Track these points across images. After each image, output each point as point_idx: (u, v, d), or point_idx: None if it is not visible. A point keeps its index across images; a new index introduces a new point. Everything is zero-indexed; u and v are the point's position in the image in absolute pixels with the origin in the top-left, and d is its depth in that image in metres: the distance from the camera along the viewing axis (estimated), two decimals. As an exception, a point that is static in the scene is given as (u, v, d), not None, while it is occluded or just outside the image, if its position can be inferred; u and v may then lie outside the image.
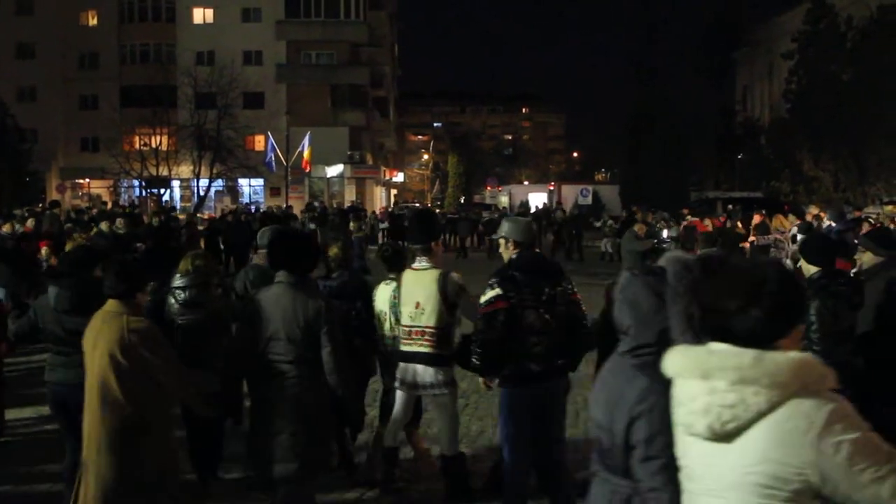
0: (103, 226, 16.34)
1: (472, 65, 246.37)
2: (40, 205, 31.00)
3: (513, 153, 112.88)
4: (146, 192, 49.95)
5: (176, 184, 53.05)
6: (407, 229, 6.83)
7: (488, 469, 6.29)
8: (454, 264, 6.05)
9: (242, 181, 54.43)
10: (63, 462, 5.71)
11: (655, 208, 25.70)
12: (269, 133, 44.81)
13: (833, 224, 15.07)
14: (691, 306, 2.33)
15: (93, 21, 56.52)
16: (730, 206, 25.86)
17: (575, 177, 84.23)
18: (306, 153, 43.95)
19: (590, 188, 45.31)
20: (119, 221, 17.46)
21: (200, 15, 56.38)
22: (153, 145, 48.34)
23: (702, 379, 2.17)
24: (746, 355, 2.12)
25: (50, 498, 6.11)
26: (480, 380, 5.63)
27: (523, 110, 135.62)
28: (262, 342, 4.70)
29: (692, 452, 2.28)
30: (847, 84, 35.93)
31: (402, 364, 5.95)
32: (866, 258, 5.72)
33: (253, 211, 35.52)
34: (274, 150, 42.68)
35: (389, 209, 43.04)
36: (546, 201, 46.45)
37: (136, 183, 50.20)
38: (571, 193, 44.74)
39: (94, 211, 28.81)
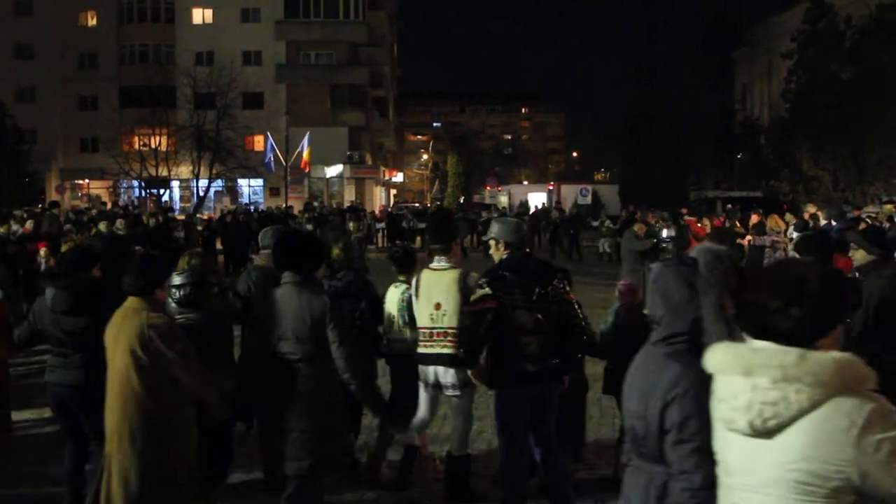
0: (102, 226, 16.32)
1: (472, 65, 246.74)
2: (40, 205, 30.99)
3: (512, 153, 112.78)
4: (146, 193, 49.94)
5: (175, 184, 53.07)
6: (425, 229, 6.86)
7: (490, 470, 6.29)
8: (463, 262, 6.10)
9: (242, 181, 54.44)
10: (63, 464, 5.71)
11: (654, 208, 25.65)
12: (268, 133, 44.81)
13: (833, 223, 15.11)
14: (723, 296, 2.41)
15: (92, 21, 56.52)
16: (729, 206, 25.80)
17: (574, 176, 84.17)
18: (305, 153, 43.96)
19: (589, 188, 45.21)
20: (119, 222, 17.45)
21: (199, 15, 56.38)
22: (152, 146, 48.35)
23: (744, 376, 2.21)
24: (791, 354, 2.16)
25: (50, 499, 6.11)
26: (469, 372, 5.63)
27: (522, 110, 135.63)
28: (272, 342, 4.75)
29: (732, 448, 2.31)
30: (846, 83, 35.93)
31: (421, 366, 5.96)
32: (859, 256, 5.73)
33: (252, 211, 35.50)
34: (273, 150, 42.68)
35: (389, 209, 42.97)
36: (545, 201, 46.43)
37: (135, 183, 50.20)
38: (571, 193, 44.67)
39: (94, 211, 28.82)
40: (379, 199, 63.59)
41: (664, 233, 20.24)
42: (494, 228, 5.44)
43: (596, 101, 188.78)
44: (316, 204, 41.05)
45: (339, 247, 6.69)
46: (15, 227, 15.96)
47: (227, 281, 7.30)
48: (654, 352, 2.94)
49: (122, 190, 53.01)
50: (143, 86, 50.43)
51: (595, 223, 28.88)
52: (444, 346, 5.78)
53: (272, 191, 53.31)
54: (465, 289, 5.71)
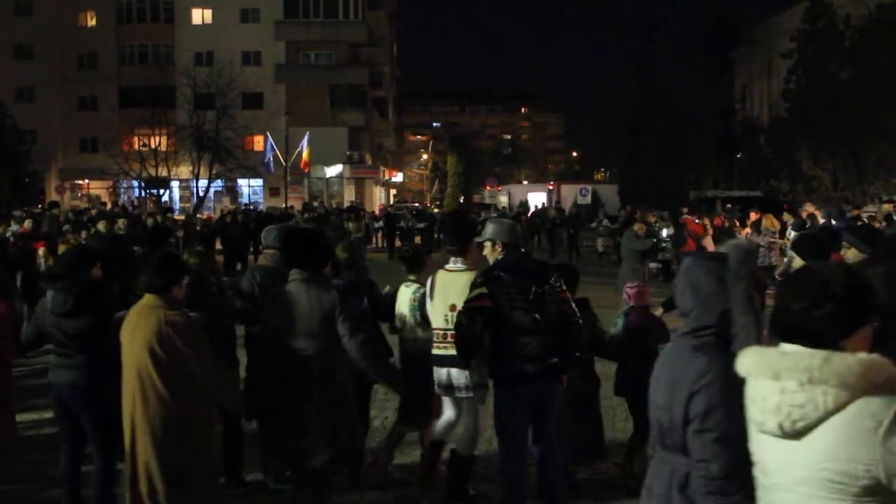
0: (101, 226, 16.31)
1: (471, 65, 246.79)
2: (39, 206, 30.99)
3: (512, 153, 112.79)
4: (145, 193, 49.95)
5: (175, 184, 53.11)
6: (441, 230, 6.88)
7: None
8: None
9: (242, 182, 54.47)
10: (59, 465, 5.72)
11: (653, 207, 25.68)
12: (268, 133, 44.83)
13: (833, 222, 15.14)
14: (751, 289, 2.50)
15: (91, 22, 56.55)
16: (728, 206, 25.83)
17: (574, 176, 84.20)
18: (305, 153, 43.98)
19: (589, 188, 45.19)
20: (121, 222, 17.46)
21: (199, 15, 56.40)
22: (152, 146, 48.37)
23: (773, 379, 2.27)
24: (816, 357, 2.21)
25: (50, 500, 6.10)
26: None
27: (522, 110, 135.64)
28: (283, 340, 4.76)
29: (765, 449, 2.36)
30: (846, 83, 35.94)
31: (435, 367, 5.96)
32: (850, 254, 5.73)
33: (251, 211, 35.49)
34: (273, 150, 42.69)
35: (388, 209, 42.93)
36: (545, 201, 46.44)
37: (135, 184, 50.22)
38: (570, 193, 44.66)
39: (94, 212, 28.81)
40: (379, 199, 63.60)
41: (664, 232, 20.27)
42: (489, 229, 5.44)
43: (596, 101, 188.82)
44: (316, 204, 41.04)
45: (341, 246, 6.68)
46: (14, 227, 15.94)
47: (227, 281, 7.27)
48: (681, 344, 2.99)
49: (122, 190, 53.06)
50: (142, 86, 50.46)
51: (593, 224, 28.91)
52: None
53: (272, 191, 53.33)
54: None
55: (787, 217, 18.11)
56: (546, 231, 29.62)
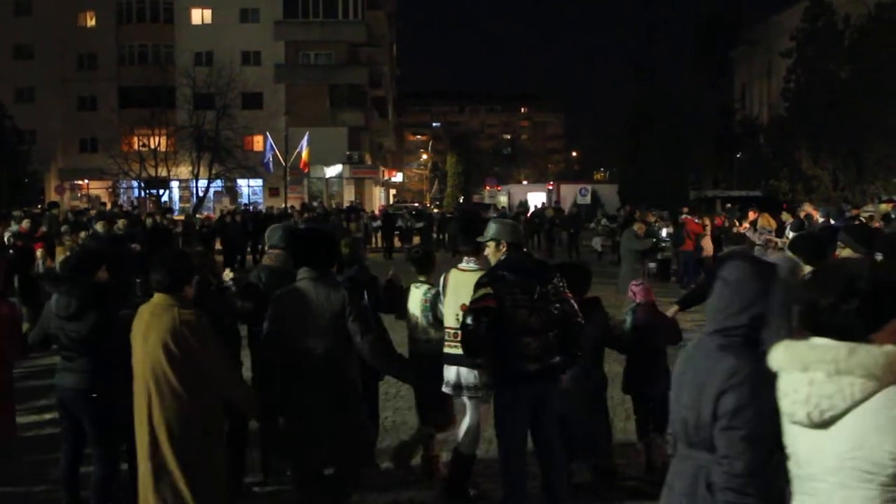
0: (99, 227, 16.29)
1: (471, 64, 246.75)
2: (39, 206, 30.97)
3: (511, 153, 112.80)
4: (145, 193, 49.94)
5: (175, 184, 53.11)
6: (454, 230, 6.89)
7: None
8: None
9: (241, 182, 54.46)
10: (59, 466, 5.71)
11: (652, 207, 25.69)
12: (267, 133, 44.83)
13: (832, 221, 15.16)
14: (792, 301, 2.59)
15: (91, 22, 56.54)
16: (728, 205, 25.85)
17: (574, 176, 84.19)
18: (304, 153, 43.95)
19: (588, 187, 45.18)
20: (121, 222, 17.45)
21: (199, 15, 56.39)
22: (152, 146, 48.37)
23: (802, 371, 2.37)
24: (842, 349, 2.31)
25: (49, 500, 6.11)
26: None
27: (522, 110, 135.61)
28: (291, 339, 4.75)
29: (797, 440, 2.45)
30: (845, 82, 35.91)
31: (446, 365, 5.97)
32: (845, 254, 5.72)
33: (250, 211, 35.49)
34: (272, 150, 42.67)
35: (387, 209, 42.93)
36: (545, 201, 46.43)
37: (134, 184, 50.21)
38: (570, 193, 44.65)
39: (93, 212, 28.79)
40: (378, 199, 63.59)
41: (663, 232, 20.27)
42: (492, 229, 5.43)
43: (596, 101, 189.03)
44: (315, 204, 41.02)
45: (344, 242, 6.67)
46: (14, 227, 15.90)
47: (233, 279, 7.20)
48: (708, 342, 3.02)
49: (122, 190, 53.04)
50: (142, 86, 50.46)
51: (590, 223, 28.94)
52: None
53: (272, 191, 53.33)
54: None
55: (785, 216, 18.12)
56: (544, 231, 29.64)
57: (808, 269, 5.54)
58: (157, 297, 4.59)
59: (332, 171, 56.42)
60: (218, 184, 51.03)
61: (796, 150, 37.93)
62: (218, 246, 24.27)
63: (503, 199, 52.15)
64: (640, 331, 6.51)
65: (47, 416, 8.37)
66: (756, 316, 2.88)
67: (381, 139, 70.79)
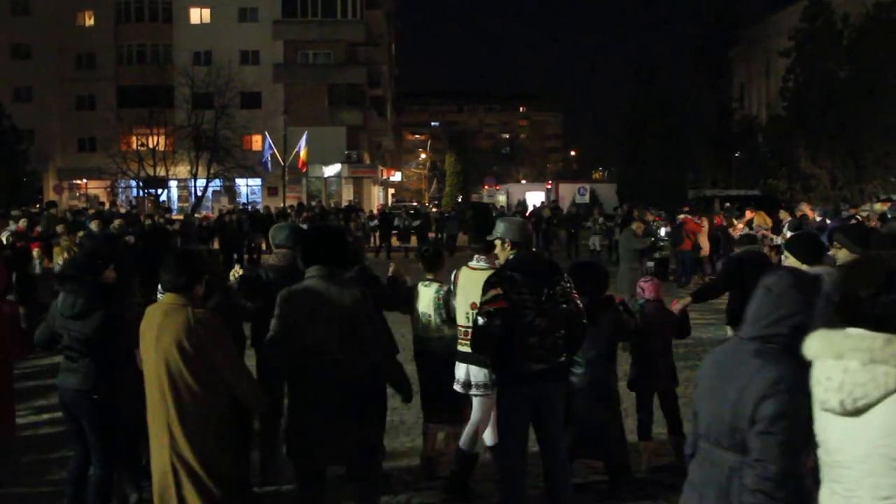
0: (93, 226, 16.27)
1: (470, 64, 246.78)
2: (37, 205, 30.94)
3: (510, 152, 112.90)
4: (144, 193, 49.91)
5: (173, 184, 53.07)
6: (467, 228, 6.82)
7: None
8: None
9: (240, 181, 54.43)
10: (68, 465, 5.70)
11: (651, 206, 25.69)
12: (266, 133, 44.82)
13: (828, 221, 15.20)
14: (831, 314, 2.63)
15: (89, 21, 56.50)
16: (727, 204, 25.83)
17: (572, 176, 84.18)
18: (303, 153, 43.92)
19: (587, 186, 45.16)
20: (117, 222, 17.45)
21: (197, 15, 56.38)
22: (150, 145, 48.32)
23: (836, 359, 2.43)
24: (878, 338, 2.38)
25: (48, 499, 6.12)
26: None
27: (521, 109, 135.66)
28: (302, 337, 4.73)
29: (828, 428, 2.51)
30: (844, 81, 35.92)
31: (457, 364, 5.98)
32: (841, 254, 5.72)
33: (248, 210, 35.45)
34: (271, 149, 42.65)
35: (385, 209, 42.89)
36: (544, 200, 46.40)
37: (133, 183, 50.17)
38: (569, 192, 44.62)
39: (91, 211, 28.77)
40: (377, 198, 63.59)
41: (662, 231, 20.28)
42: (500, 228, 5.40)
43: (594, 101, 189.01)
44: (314, 203, 41.00)
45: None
46: (11, 226, 15.88)
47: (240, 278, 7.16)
48: (743, 347, 3.05)
49: (120, 190, 53.00)
50: (140, 85, 50.45)
51: (587, 222, 28.94)
52: None
53: (270, 190, 53.32)
54: None
55: (783, 215, 18.14)
56: (542, 231, 29.64)
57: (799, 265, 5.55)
58: (168, 297, 4.58)
59: (331, 170, 56.41)
60: (216, 183, 51.01)
61: (795, 150, 37.94)
62: (216, 245, 24.28)
63: (502, 199, 52.10)
64: (648, 327, 6.52)
65: (46, 417, 8.37)
66: (797, 326, 2.89)
67: (380, 138, 70.78)
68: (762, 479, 2.82)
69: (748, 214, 18.15)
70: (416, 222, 31.87)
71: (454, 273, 6.12)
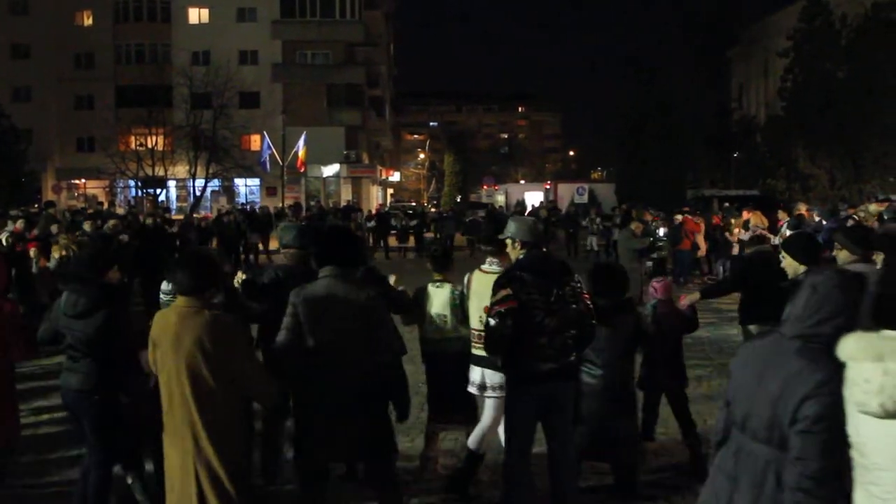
0: (86, 226, 16.28)
1: (468, 64, 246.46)
2: (36, 205, 30.91)
3: (509, 152, 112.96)
4: (142, 193, 49.88)
5: (172, 184, 53.01)
6: (464, 229, 6.75)
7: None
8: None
9: (238, 181, 54.39)
10: (82, 464, 5.69)
11: (649, 206, 25.71)
12: (265, 133, 44.79)
13: (824, 221, 15.21)
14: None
15: (88, 21, 56.47)
16: (726, 204, 25.86)
17: (571, 175, 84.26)
18: (301, 153, 43.88)
19: (586, 186, 45.28)
20: (111, 222, 17.48)
21: (196, 15, 56.36)
22: (149, 145, 48.28)
23: (876, 361, 2.41)
24: None
25: (48, 498, 6.13)
26: None
27: (519, 109, 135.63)
28: (317, 335, 4.72)
29: (865, 430, 2.50)
30: (842, 81, 35.97)
31: (472, 366, 5.99)
32: (842, 255, 5.72)
33: (247, 210, 35.38)
34: (270, 149, 42.63)
35: (382, 209, 42.85)
36: (542, 200, 46.46)
37: (131, 183, 50.14)
38: (567, 192, 44.74)
39: (90, 211, 28.76)
40: (376, 198, 63.58)
41: (660, 231, 20.29)
42: (511, 227, 5.40)
43: (593, 101, 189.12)
44: (313, 203, 40.98)
45: None
46: (10, 226, 15.86)
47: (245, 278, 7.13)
48: (785, 345, 3.06)
49: (119, 190, 52.97)
50: (139, 85, 50.38)
51: (584, 221, 28.98)
52: None
53: (269, 190, 53.31)
54: None
55: (781, 215, 18.17)
56: (540, 230, 29.54)
57: (796, 265, 5.56)
58: (183, 301, 4.50)
59: (330, 170, 56.41)
60: (215, 183, 50.99)
61: (793, 150, 37.99)
62: (213, 246, 24.25)
63: (500, 199, 52.16)
64: (661, 326, 6.53)
65: (46, 417, 8.37)
66: (841, 327, 2.90)
67: (379, 138, 70.78)
68: (803, 478, 2.84)
69: (745, 214, 18.17)
70: (413, 222, 31.86)
71: (467, 277, 6.12)
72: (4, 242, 13.13)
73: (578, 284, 5.23)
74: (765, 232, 16.55)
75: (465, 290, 6.09)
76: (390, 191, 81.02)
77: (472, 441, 6.06)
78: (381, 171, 68.72)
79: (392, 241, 29.93)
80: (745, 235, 16.95)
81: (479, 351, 5.81)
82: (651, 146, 42.84)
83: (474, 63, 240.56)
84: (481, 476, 6.27)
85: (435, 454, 6.58)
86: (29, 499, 6.35)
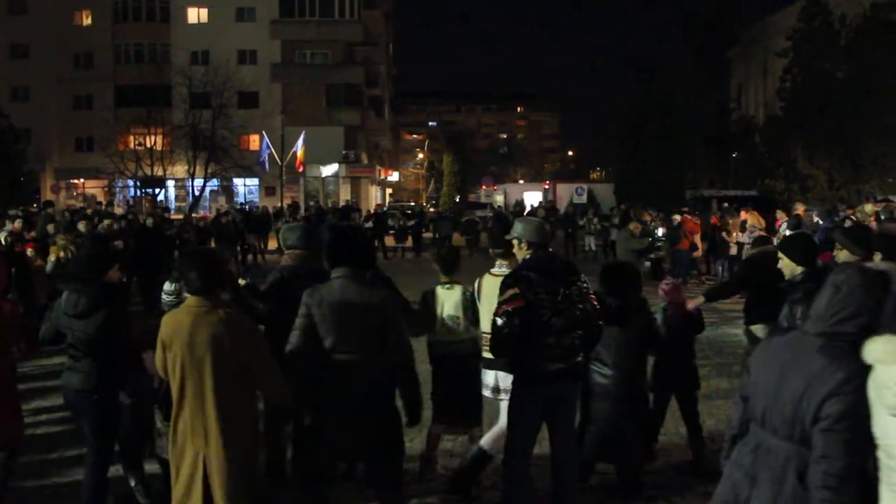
0: (81, 226, 16.27)
1: (468, 64, 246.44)
2: (35, 205, 30.89)
3: (508, 152, 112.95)
4: (141, 192, 49.86)
5: (171, 184, 53.00)
6: (474, 229, 6.72)
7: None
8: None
9: (237, 181, 54.37)
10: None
11: (648, 206, 25.72)
12: (263, 133, 44.79)
13: (820, 222, 15.27)
14: None
15: (87, 20, 56.47)
16: (725, 205, 25.88)
17: (570, 176, 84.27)
18: (300, 153, 43.85)
19: (584, 186, 45.21)
20: (106, 222, 17.48)
21: (195, 14, 56.36)
22: (148, 145, 48.25)
23: None
24: None
25: (47, 498, 6.11)
26: None
27: (518, 109, 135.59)
28: (332, 337, 4.70)
29: (894, 431, 2.52)
30: (841, 82, 35.98)
31: (484, 370, 5.99)
32: (843, 256, 5.73)
33: (245, 210, 35.34)
34: (269, 149, 42.61)
35: (378, 209, 42.84)
36: (541, 200, 46.48)
37: (130, 183, 50.12)
38: (566, 192, 44.73)
39: (89, 210, 28.73)
40: (375, 198, 63.59)
41: (659, 231, 20.31)
42: (518, 228, 5.40)
43: (592, 101, 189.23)
44: (311, 203, 40.96)
45: None
46: (8, 226, 15.86)
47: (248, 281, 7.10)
48: (811, 343, 3.06)
49: (118, 189, 52.94)
50: (138, 85, 50.35)
51: (581, 221, 29.00)
52: None
53: (268, 190, 53.31)
54: None
55: (780, 215, 18.21)
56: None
57: (793, 267, 5.57)
58: (194, 300, 4.48)
59: (329, 170, 56.40)
60: (214, 183, 50.96)
61: (792, 150, 38.01)
62: (212, 245, 24.26)
63: (499, 199, 52.16)
64: (672, 329, 6.52)
65: (45, 417, 8.37)
66: (864, 325, 2.92)
67: (378, 138, 70.80)
68: (828, 476, 2.85)
69: (742, 215, 18.22)
70: (411, 223, 31.81)
71: (477, 281, 6.13)
72: (3, 242, 13.11)
73: (585, 285, 5.23)
74: (762, 233, 16.62)
75: (476, 294, 6.09)
76: (389, 191, 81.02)
77: (485, 441, 6.06)
78: (379, 170, 68.74)
79: (389, 241, 29.89)
80: (744, 237, 17.00)
81: (490, 354, 5.81)
82: (650, 146, 42.85)
83: (473, 63, 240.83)
84: (481, 477, 6.27)
85: (436, 455, 6.58)
86: (29, 499, 6.35)
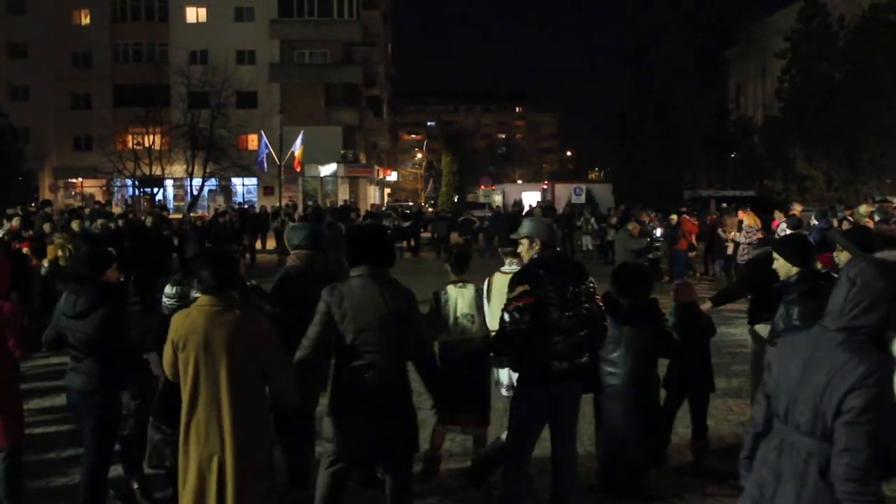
0: (74, 225, 16.25)
1: (466, 64, 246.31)
2: (33, 204, 30.88)
3: (506, 152, 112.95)
4: (139, 192, 49.81)
5: (169, 183, 52.93)
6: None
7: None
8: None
9: (236, 180, 54.31)
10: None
11: (646, 207, 25.73)
12: (262, 132, 44.74)
13: (815, 222, 15.31)
14: None
15: (85, 20, 56.43)
16: (723, 205, 25.90)
17: (568, 176, 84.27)
18: (298, 152, 43.80)
19: (583, 187, 45.13)
20: (99, 221, 17.47)
21: (193, 14, 56.33)
22: (146, 144, 48.15)
23: None
24: None
25: (46, 497, 6.11)
26: None
27: (517, 109, 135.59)
28: (353, 335, 4.67)
29: None
30: (839, 82, 36.02)
31: (497, 368, 6.03)
32: (843, 257, 5.72)
33: (244, 209, 35.31)
34: (267, 149, 42.57)
35: (374, 209, 42.71)
36: (540, 200, 46.43)
37: (129, 182, 50.06)
38: (565, 192, 44.67)
39: (87, 210, 28.71)
40: (373, 198, 63.57)
41: (657, 231, 20.32)
42: (526, 227, 5.42)
43: (591, 101, 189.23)
44: (310, 203, 40.94)
45: None
46: (6, 225, 15.85)
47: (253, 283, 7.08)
48: (832, 338, 3.08)
49: (116, 189, 52.88)
50: (136, 84, 50.30)
51: (578, 222, 29.00)
52: None
53: (266, 189, 53.27)
54: None
55: (777, 215, 18.22)
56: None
57: (788, 267, 5.57)
58: (206, 300, 4.45)
59: (327, 169, 56.39)
60: (212, 183, 50.88)
61: (790, 150, 38.04)
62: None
63: (498, 199, 52.11)
64: (686, 330, 6.50)
65: (45, 417, 8.37)
66: (884, 316, 2.95)
67: (376, 138, 70.78)
68: (851, 468, 2.87)
69: (740, 215, 18.23)
70: (406, 223, 31.74)
71: (487, 280, 6.16)
72: (3, 240, 13.10)
73: (592, 285, 5.25)
74: (760, 234, 16.63)
75: (486, 292, 6.11)
76: (387, 190, 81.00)
77: (505, 436, 6.09)
78: (378, 170, 68.73)
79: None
80: (740, 237, 17.02)
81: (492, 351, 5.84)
82: (649, 146, 42.85)
83: (472, 63, 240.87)
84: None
85: (439, 455, 6.60)
86: (29, 499, 6.34)
